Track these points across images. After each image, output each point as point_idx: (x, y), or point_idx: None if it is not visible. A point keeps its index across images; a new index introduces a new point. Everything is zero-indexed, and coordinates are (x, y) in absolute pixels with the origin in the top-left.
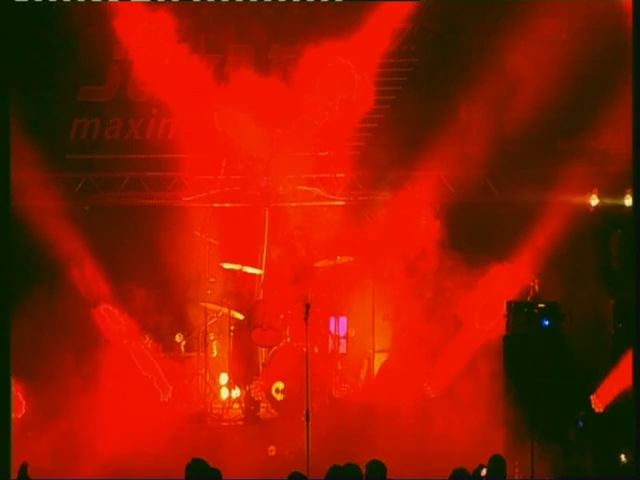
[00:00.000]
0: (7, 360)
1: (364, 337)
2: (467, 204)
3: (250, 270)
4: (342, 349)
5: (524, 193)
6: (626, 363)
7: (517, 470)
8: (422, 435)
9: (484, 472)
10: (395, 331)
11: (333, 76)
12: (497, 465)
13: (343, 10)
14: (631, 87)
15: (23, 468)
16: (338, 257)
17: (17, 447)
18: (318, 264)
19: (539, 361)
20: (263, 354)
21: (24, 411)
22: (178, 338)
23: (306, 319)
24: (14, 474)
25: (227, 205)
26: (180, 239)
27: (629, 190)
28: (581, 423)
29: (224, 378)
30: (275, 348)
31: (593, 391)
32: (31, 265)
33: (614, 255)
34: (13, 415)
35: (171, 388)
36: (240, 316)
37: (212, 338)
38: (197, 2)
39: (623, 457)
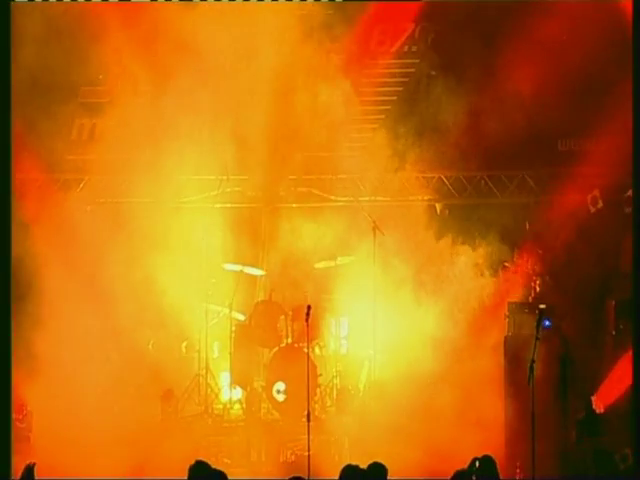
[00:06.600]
0: (7, 361)
1: (365, 338)
2: (468, 205)
3: (251, 271)
4: (343, 350)
5: (525, 194)
6: (626, 364)
7: (518, 470)
8: (422, 436)
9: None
10: (397, 332)
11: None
12: (487, 465)
13: (343, 11)
14: (631, 87)
15: (30, 468)
16: (339, 258)
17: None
18: (319, 265)
19: (540, 362)
20: (264, 355)
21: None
22: (180, 339)
23: (307, 320)
24: (16, 474)
25: (228, 206)
26: (181, 239)
27: (629, 191)
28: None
29: (225, 379)
30: (276, 349)
31: (594, 392)
32: (30, 266)
33: (624, 257)
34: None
35: (170, 389)
36: (241, 317)
37: (213, 339)
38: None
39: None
